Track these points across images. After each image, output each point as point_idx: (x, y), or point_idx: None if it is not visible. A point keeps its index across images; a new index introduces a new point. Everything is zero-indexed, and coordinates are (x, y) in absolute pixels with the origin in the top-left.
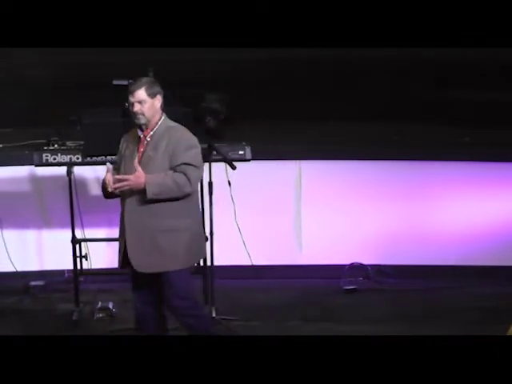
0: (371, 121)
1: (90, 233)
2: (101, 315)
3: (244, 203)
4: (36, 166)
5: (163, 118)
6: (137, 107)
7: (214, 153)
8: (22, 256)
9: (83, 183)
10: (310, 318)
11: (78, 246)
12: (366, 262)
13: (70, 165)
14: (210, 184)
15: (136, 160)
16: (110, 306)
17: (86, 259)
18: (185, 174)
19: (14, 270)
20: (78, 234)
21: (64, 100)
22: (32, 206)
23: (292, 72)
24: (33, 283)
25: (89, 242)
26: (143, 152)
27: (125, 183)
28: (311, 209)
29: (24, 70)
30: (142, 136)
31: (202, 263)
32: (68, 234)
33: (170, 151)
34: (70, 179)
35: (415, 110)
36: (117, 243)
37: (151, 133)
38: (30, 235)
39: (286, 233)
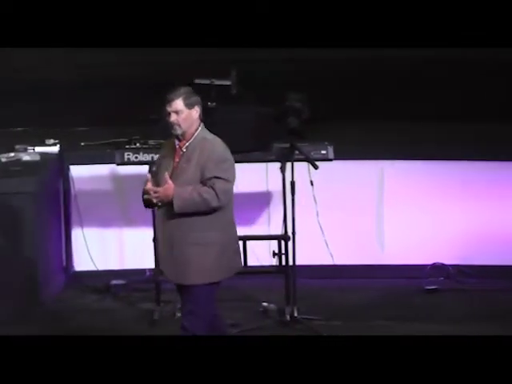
0: (453, 121)
1: None
2: (181, 314)
3: (326, 203)
4: (118, 164)
5: (200, 128)
6: (173, 117)
7: (297, 152)
8: (103, 255)
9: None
10: (391, 318)
11: (153, 244)
12: (447, 262)
13: (151, 163)
14: (293, 184)
15: (167, 172)
16: None
17: None
18: (213, 189)
19: (95, 269)
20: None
21: (146, 99)
22: (113, 205)
23: (374, 72)
24: (114, 282)
25: None
26: (178, 163)
27: (155, 195)
28: (393, 208)
29: (107, 69)
30: (177, 147)
31: (284, 263)
32: (149, 232)
33: (202, 163)
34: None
35: (495, 109)
36: None
37: (187, 144)
38: (111, 234)
39: (368, 232)
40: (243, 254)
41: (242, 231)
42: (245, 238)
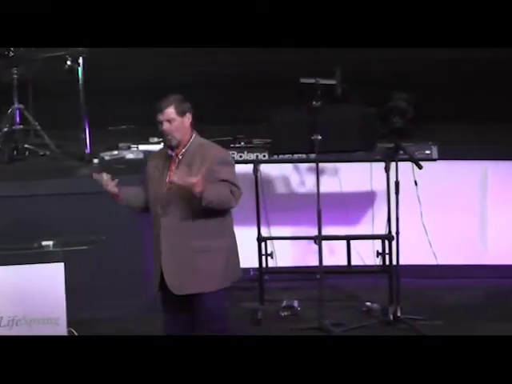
0: None
1: (275, 231)
2: (285, 314)
3: (430, 202)
4: None
5: (194, 135)
6: (166, 126)
7: (401, 152)
8: None
9: (269, 181)
10: (494, 318)
11: (263, 244)
12: None
13: (256, 162)
14: (397, 183)
15: (164, 180)
16: (295, 304)
17: (272, 257)
18: (230, 189)
19: None
20: (264, 232)
21: (250, 98)
22: None
23: (480, 72)
24: None
25: (274, 240)
26: (176, 170)
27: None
28: (496, 208)
29: (212, 68)
30: (173, 154)
31: (387, 262)
32: (254, 231)
33: (206, 168)
34: (256, 177)
35: None
36: (302, 242)
37: (183, 150)
38: None
39: (471, 232)
40: (347, 254)
41: (346, 231)
42: (349, 238)
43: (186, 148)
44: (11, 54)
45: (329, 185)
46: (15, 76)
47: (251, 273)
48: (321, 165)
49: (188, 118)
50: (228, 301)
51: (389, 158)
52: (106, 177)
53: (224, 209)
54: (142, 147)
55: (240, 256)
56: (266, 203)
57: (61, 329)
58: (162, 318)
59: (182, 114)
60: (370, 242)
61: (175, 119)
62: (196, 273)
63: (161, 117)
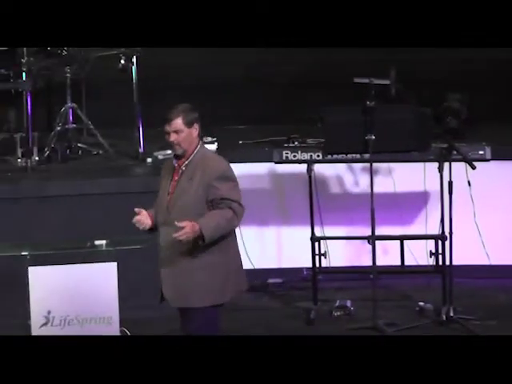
0: None
1: (329, 230)
2: (338, 313)
3: (483, 203)
4: (276, 163)
5: (199, 146)
6: (173, 137)
7: (454, 153)
8: (261, 253)
9: (323, 181)
10: None
11: (317, 243)
12: None
13: (310, 162)
14: (450, 183)
15: (167, 192)
16: (348, 304)
17: (325, 257)
18: (231, 209)
19: (253, 268)
20: (318, 232)
21: (304, 98)
22: (271, 203)
23: None
24: (271, 280)
25: (328, 240)
26: (177, 181)
27: (183, 235)
28: None
29: (267, 67)
30: (176, 165)
31: (440, 262)
32: (307, 231)
33: (206, 182)
34: (310, 177)
35: None
36: (355, 241)
37: (186, 162)
38: (269, 232)
39: None
40: (400, 254)
41: (399, 231)
42: (402, 238)
43: (190, 160)
44: (64, 52)
45: (382, 185)
46: (68, 75)
47: (304, 272)
48: (375, 165)
49: (195, 129)
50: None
51: (442, 158)
52: (143, 216)
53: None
54: None
55: (294, 255)
56: (319, 203)
57: (113, 328)
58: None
59: (189, 124)
60: (423, 241)
61: (183, 130)
62: (193, 287)
63: (168, 128)
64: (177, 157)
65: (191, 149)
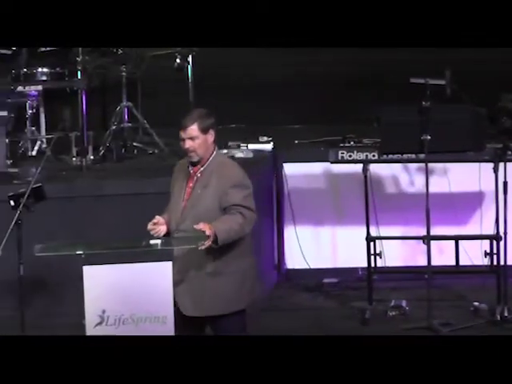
0: None
1: (384, 230)
2: (393, 313)
3: None
4: (332, 162)
5: (215, 153)
6: (188, 144)
7: (509, 153)
8: (316, 253)
9: (379, 181)
10: None
11: (372, 243)
12: None
13: (366, 162)
14: (505, 184)
15: (181, 198)
16: (403, 304)
17: (381, 257)
18: (242, 215)
19: (308, 267)
20: (373, 232)
21: (360, 98)
22: (326, 203)
23: None
24: (326, 280)
25: (383, 240)
26: (192, 188)
27: (207, 244)
28: None
29: (322, 67)
30: (191, 171)
31: (495, 262)
32: (362, 231)
33: (222, 189)
34: (365, 176)
35: None
36: (410, 241)
37: (201, 169)
38: (324, 232)
39: None
40: (455, 254)
41: (454, 231)
42: (457, 238)
43: (205, 166)
44: (120, 51)
45: (438, 185)
46: (124, 74)
47: (360, 272)
48: (430, 165)
49: (211, 135)
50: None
51: (497, 158)
52: (159, 224)
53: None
54: (252, 146)
55: (349, 255)
56: (375, 203)
57: (168, 328)
58: (276, 318)
59: (205, 131)
60: (478, 242)
61: (198, 137)
62: (206, 295)
63: (183, 134)
64: (192, 163)
65: (207, 155)
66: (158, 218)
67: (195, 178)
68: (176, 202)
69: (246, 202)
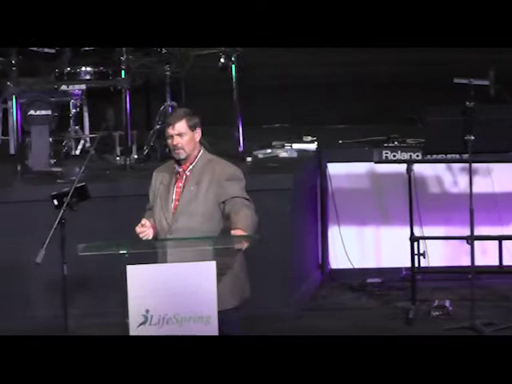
0: None
1: (428, 230)
2: (437, 313)
3: None
4: (375, 162)
5: (202, 151)
6: (176, 140)
7: None
8: (360, 253)
9: (423, 181)
10: None
11: (416, 243)
12: None
13: (409, 162)
14: None
15: (170, 198)
16: (447, 304)
17: (424, 257)
18: (246, 207)
19: (351, 267)
20: (417, 232)
21: (404, 97)
22: (371, 203)
23: None
24: (370, 280)
25: (427, 240)
26: (183, 187)
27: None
28: None
29: (366, 67)
30: (180, 170)
31: None
32: (406, 231)
33: (216, 184)
34: (409, 177)
35: None
36: (454, 241)
37: (190, 167)
38: (368, 232)
39: None
40: (499, 254)
41: (498, 231)
42: (501, 238)
43: (194, 164)
44: (163, 51)
45: (481, 185)
46: (168, 73)
47: (403, 272)
48: (474, 165)
49: (198, 133)
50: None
51: None
52: (147, 227)
53: None
54: (296, 146)
55: (393, 255)
56: (418, 203)
57: (212, 327)
58: (319, 318)
59: (192, 128)
60: None
61: (186, 133)
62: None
63: (171, 131)
64: (178, 162)
65: (194, 153)
66: (145, 221)
67: (184, 176)
68: (164, 203)
69: (244, 194)
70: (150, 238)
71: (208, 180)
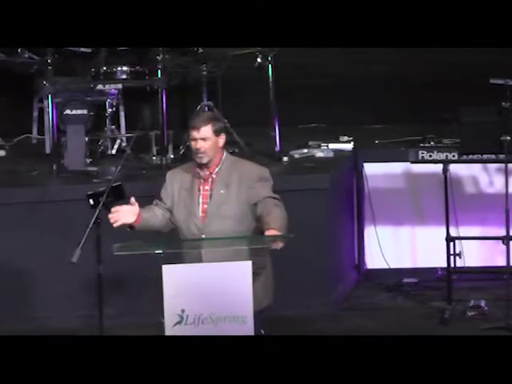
0: None
1: (463, 231)
2: (472, 313)
3: None
4: (412, 162)
5: (225, 154)
6: (200, 144)
7: None
8: (395, 253)
9: (458, 181)
10: None
11: (451, 243)
12: None
13: (445, 162)
14: None
15: (197, 202)
16: (482, 304)
17: (460, 257)
18: (278, 206)
19: (387, 267)
20: (452, 232)
21: (440, 98)
22: (407, 203)
23: None
24: (406, 280)
25: (462, 240)
26: (211, 190)
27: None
28: None
29: (402, 67)
30: (206, 173)
31: None
32: (442, 231)
33: (246, 186)
34: (445, 177)
35: None
36: (489, 242)
37: (216, 169)
38: (404, 232)
39: None
40: None
41: None
42: None
43: (220, 167)
44: (200, 50)
45: None
46: (204, 73)
47: (439, 272)
48: (510, 165)
49: (222, 139)
50: None
51: None
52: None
53: None
54: (332, 146)
55: (428, 255)
56: (454, 203)
57: (247, 327)
58: (355, 317)
59: (217, 133)
60: None
61: (210, 138)
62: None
63: (196, 134)
64: (200, 166)
65: (216, 158)
66: (116, 208)
67: (210, 179)
68: (190, 209)
69: (273, 193)
70: (117, 224)
71: (237, 182)
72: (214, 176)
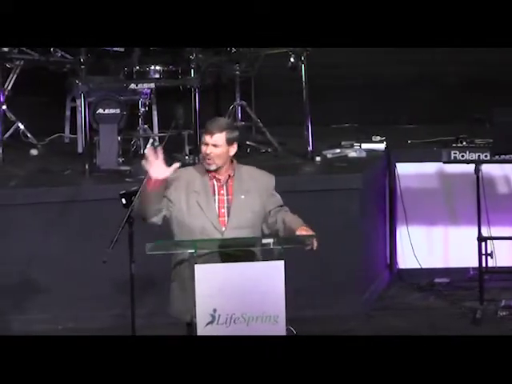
0: None
1: (495, 231)
2: (504, 313)
3: None
4: (444, 162)
5: (235, 162)
6: (210, 149)
7: None
8: (428, 253)
9: (491, 181)
10: None
11: (483, 243)
12: None
13: (478, 162)
14: None
15: (217, 207)
16: None
17: (492, 257)
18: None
19: (419, 267)
20: (484, 232)
21: (473, 98)
22: (439, 203)
23: None
24: (437, 280)
25: (494, 240)
26: (227, 195)
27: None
28: None
29: (434, 66)
30: (220, 178)
31: None
32: (474, 231)
33: (265, 193)
34: (477, 177)
35: None
36: None
37: (233, 175)
38: (436, 232)
39: None
40: None
41: None
42: None
43: (235, 173)
44: (233, 50)
45: None
46: (237, 73)
47: (471, 272)
48: None
49: (233, 148)
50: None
51: None
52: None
53: None
54: (365, 146)
55: (460, 255)
56: (486, 203)
57: (280, 327)
58: (387, 317)
59: (230, 142)
60: None
61: (222, 146)
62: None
63: (209, 139)
64: (209, 170)
65: (225, 166)
66: (160, 162)
67: (225, 185)
68: (206, 213)
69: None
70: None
71: (256, 189)
72: (230, 182)
